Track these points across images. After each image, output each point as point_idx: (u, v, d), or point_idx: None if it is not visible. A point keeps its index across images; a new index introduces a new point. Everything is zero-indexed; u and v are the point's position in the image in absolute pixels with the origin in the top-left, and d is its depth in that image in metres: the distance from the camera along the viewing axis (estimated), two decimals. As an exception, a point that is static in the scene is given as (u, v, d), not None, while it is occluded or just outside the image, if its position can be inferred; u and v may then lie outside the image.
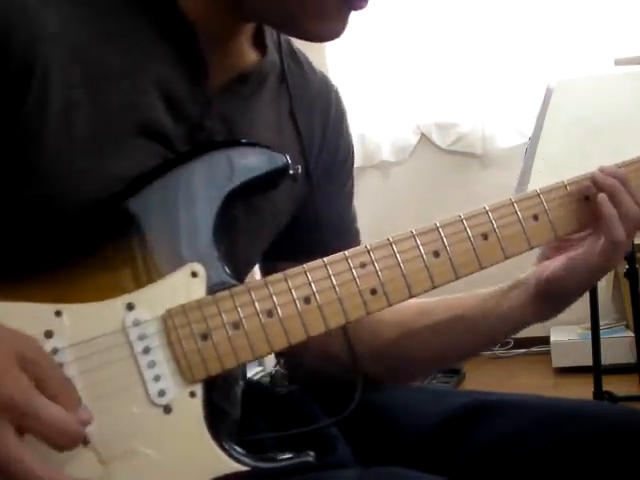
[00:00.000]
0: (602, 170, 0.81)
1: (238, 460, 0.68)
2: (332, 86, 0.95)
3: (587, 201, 0.81)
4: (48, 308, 0.66)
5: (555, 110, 1.83)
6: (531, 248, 0.80)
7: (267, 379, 2.40)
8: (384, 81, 3.33)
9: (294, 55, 0.90)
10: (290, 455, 0.70)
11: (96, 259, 0.69)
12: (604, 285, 3.03)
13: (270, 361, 2.43)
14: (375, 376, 0.89)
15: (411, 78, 3.31)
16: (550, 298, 0.85)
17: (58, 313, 0.66)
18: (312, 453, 0.71)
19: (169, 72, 0.74)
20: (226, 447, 0.68)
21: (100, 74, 0.70)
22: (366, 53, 3.33)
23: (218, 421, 0.71)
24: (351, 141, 0.97)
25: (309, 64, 0.92)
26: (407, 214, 3.02)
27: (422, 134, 3.39)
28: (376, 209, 3.05)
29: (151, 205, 0.71)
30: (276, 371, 2.38)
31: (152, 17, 0.74)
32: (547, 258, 0.86)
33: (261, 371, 2.55)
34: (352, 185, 0.99)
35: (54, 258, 0.68)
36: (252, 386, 0.95)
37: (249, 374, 2.36)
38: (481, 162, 3.32)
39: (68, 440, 0.58)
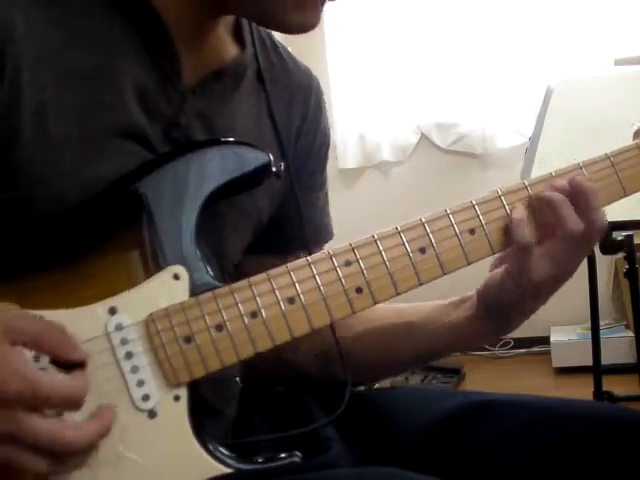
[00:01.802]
0: (553, 183, 0.77)
1: (223, 462, 0.68)
2: (313, 78, 0.95)
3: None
4: None
5: (555, 110, 1.83)
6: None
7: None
8: (384, 81, 3.32)
9: (275, 48, 0.90)
10: (276, 456, 0.70)
11: (78, 263, 0.68)
12: (604, 285, 3.03)
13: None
14: (317, 376, 0.90)
15: (411, 78, 3.30)
16: (489, 313, 0.82)
17: None
18: (299, 453, 0.70)
19: (142, 71, 0.74)
20: (211, 449, 0.68)
21: (72, 75, 0.70)
22: (366, 53, 3.32)
23: (208, 422, 0.71)
24: (328, 133, 0.96)
25: (291, 57, 0.92)
26: (407, 214, 3.00)
27: (422, 134, 3.38)
28: (376, 209, 3.04)
29: (132, 209, 0.70)
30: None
31: (124, 16, 0.73)
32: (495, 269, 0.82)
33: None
34: (325, 179, 0.97)
35: (36, 263, 0.67)
36: (251, 385, 0.95)
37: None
38: (481, 162, 3.31)
39: (78, 403, 0.60)
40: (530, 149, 1.83)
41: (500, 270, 0.80)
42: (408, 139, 3.38)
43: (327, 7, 0.77)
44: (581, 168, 0.79)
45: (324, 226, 0.97)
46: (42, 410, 0.59)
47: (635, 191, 0.83)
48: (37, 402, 0.58)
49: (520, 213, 0.76)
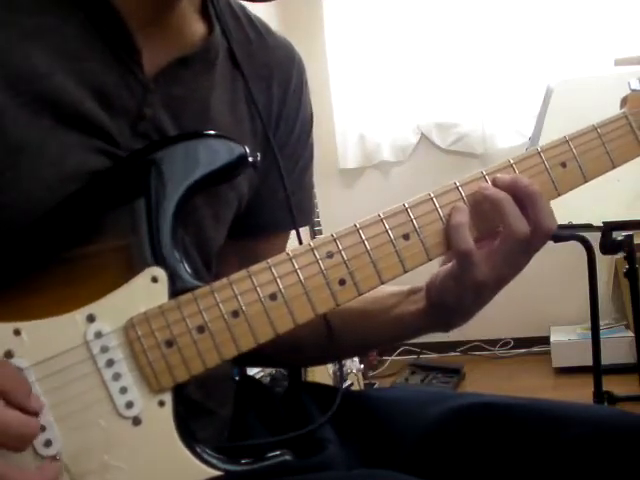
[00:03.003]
0: (495, 180, 0.74)
1: (211, 465, 0.67)
2: (295, 53, 0.91)
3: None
4: (6, 327, 0.64)
5: (555, 110, 1.83)
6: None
7: (267, 379, 2.40)
8: (384, 81, 3.33)
9: (252, 23, 0.87)
10: (265, 456, 0.69)
11: (54, 271, 0.66)
12: (604, 285, 3.03)
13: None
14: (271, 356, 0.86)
15: (411, 78, 3.31)
16: (432, 310, 0.81)
17: (17, 332, 0.64)
18: (290, 453, 0.69)
19: (100, 66, 0.72)
20: (199, 452, 0.67)
21: (24, 76, 0.68)
22: (366, 53, 3.33)
23: (200, 422, 0.70)
24: (310, 113, 0.93)
25: (270, 31, 0.89)
26: (407, 214, 3.01)
27: (422, 134, 3.39)
28: (376, 209, 3.03)
29: (106, 210, 0.69)
30: (277, 371, 2.38)
31: (79, 11, 0.71)
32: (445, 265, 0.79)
33: (261, 371, 2.55)
34: (309, 158, 0.93)
35: (13, 271, 0.66)
36: (248, 384, 0.94)
37: (249, 373, 2.35)
38: (481, 162, 3.31)
39: (24, 442, 0.60)
40: (530, 149, 1.83)
41: (445, 268, 0.78)
42: (408, 139, 3.38)
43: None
44: (512, 165, 0.76)
45: (303, 211, 0.93)
46: None
47: (623, 162, 0.79)
48: None
49: (459, 217, 0.73)
